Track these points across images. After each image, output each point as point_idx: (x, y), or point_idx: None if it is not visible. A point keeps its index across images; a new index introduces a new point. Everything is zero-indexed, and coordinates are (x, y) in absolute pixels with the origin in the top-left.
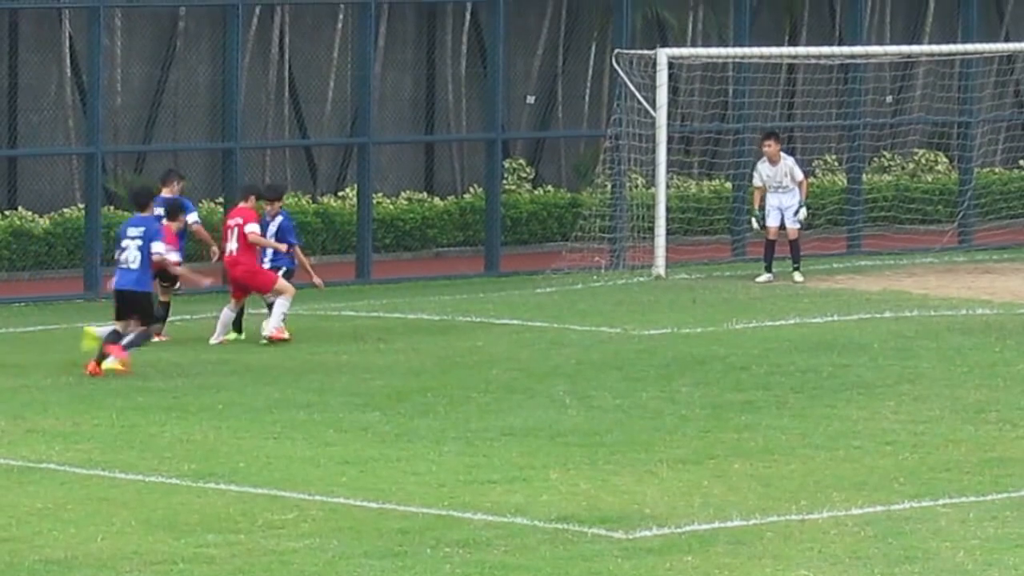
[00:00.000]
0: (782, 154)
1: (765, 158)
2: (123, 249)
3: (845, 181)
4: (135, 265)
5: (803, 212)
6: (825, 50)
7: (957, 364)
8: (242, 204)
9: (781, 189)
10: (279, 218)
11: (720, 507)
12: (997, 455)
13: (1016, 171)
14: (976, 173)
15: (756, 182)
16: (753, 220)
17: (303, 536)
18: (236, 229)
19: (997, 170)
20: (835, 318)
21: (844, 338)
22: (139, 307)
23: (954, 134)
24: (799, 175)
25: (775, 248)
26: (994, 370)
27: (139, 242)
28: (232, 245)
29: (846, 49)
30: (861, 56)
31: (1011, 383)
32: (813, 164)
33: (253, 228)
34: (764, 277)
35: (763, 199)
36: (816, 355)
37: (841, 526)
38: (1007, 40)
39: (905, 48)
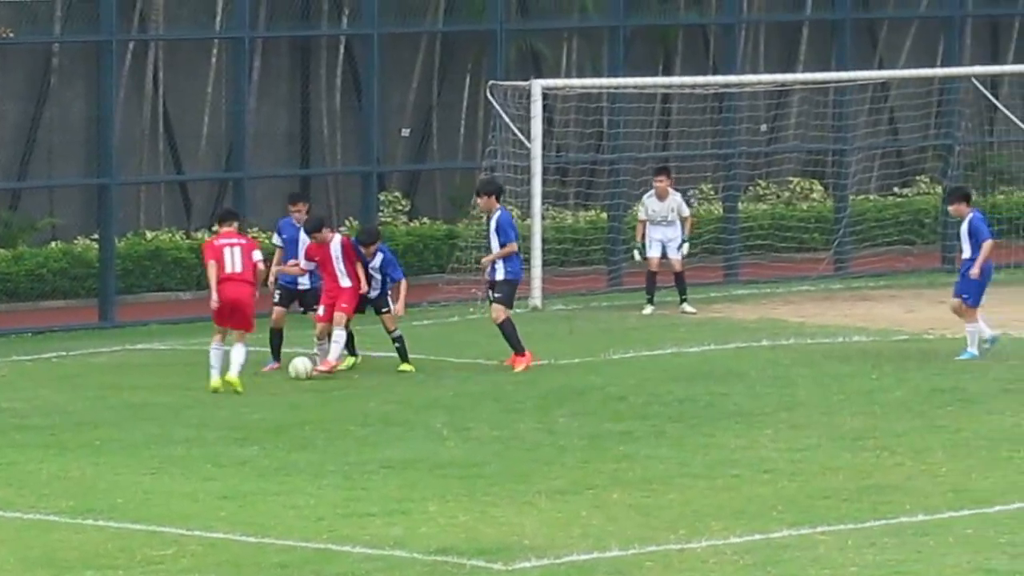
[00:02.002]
0: (670, 190)
1: (653, 192)
2: None
3: (721, 210)
4: None
5: (686, 248)
6: (699, 80)
7: (834, 392)
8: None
9: (665, 223)
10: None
11: (599, 537)
12: (875, 482)
13: (891, 198)
14: (851, 201)
15: (641, 215)
16: (635, 252)
17: (182, 571)
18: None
19: (872, 197)
20: (712, 347)
21: (721, 367)
22: None
23: (829, 162)
24: (686, 211)
25: (656, 279)
26: (871, 397)
27: None
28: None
29: (720, 78)
30: (735, 85)
31: (888, 410)
32: (689, 194)
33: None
34: (648, 309)
35: (644, 231)
36: (693, 384)
37: (720, 555)
38: (880, 67)
39: (779, 76)
